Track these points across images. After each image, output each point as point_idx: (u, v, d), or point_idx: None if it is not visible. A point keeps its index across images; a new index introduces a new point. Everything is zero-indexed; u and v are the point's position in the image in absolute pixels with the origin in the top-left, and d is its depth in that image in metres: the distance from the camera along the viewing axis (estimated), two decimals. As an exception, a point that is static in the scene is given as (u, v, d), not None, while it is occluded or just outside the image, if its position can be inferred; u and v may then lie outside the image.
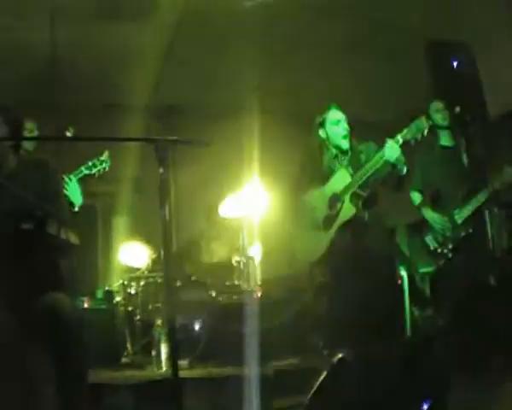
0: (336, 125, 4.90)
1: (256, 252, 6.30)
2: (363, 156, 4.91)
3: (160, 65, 6.90)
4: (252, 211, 6.26)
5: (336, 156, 4.94)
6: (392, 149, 4.52)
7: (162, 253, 2.97)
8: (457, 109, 5.47)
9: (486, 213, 5.39)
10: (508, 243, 6.13)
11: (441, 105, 5.64)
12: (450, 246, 5.36)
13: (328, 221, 4.79)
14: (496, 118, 6.57)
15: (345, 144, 4.89)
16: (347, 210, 4.77)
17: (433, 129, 5.55)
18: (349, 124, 4.94)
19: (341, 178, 4.86)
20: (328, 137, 4.95)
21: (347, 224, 4.75)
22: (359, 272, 4.58)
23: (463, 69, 6.01)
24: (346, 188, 4.77)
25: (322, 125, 4.97)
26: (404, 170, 4.64)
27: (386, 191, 4.92)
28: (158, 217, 2.85)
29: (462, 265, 5.30)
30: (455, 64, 6.02)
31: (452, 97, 5.70)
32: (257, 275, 6.15)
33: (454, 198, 5.46)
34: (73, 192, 4.44)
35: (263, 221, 6.35)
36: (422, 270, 5.89)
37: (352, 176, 4.78)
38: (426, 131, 4.53)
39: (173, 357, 2.87)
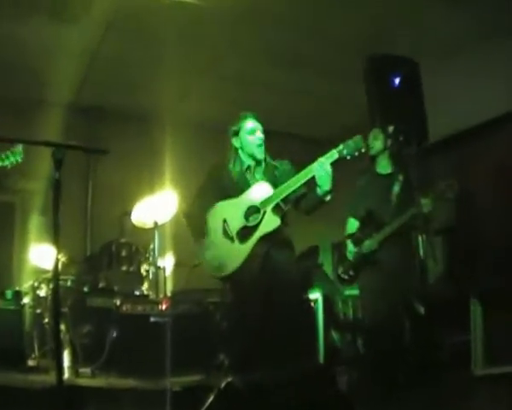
0: (251, 134, 4.68)
1: (167, 262, 6.23)
2: (277, 172, 4.70)
3: (85, 65, 6.94)
4: (164, 219, 6.16)
5: (249, 168, 4.70)
6: (322, 166, 4.29)
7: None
8: (390, 129, 5.44)
9: (415, 237, 5.39)
10: (435, 269, 6.17)
11: (379, 132, 5.60)
12: (351, 273, 5.49)
13: (245, 233, 4.48)
14: (435, 141, 6.51)
15: (259, 153, 4.68)
16: (270, 222, 4.51)
17: (372, 156, 5.58)
18: (265, 134, 4.75)
19: (261, 190, 4.61)
20: (242, 147, 4.73)
21: (268, 236, 4.48)
22: (270, 290, 4.38)
23: (404, 87, 5.93)
24: (269, 200, 4.51)
25: (236, 133, 4.74)
26: (328, 197, 4.40)
27: (297, 211, 4.69)
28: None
29: (382, 288, 5.28)
30: (396, 81, 5.91)
31: (389, 116, 5.68)
32: (167, 286, 6.12)
33: (381, 225, 5.43)
34: None
35: (176, 230, 6.26)
36: (346, 293, 5.99)
37: (273, 188, 4.56)
38: (363, 150, 4.35)
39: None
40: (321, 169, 4.25)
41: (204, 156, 5.31)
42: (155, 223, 6.21)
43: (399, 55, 5.69)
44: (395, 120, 5.46)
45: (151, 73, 7.00)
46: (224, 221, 4.49)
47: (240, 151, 4.71)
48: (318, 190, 4.31)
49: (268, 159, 4.73)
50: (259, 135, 4.66)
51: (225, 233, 4.48)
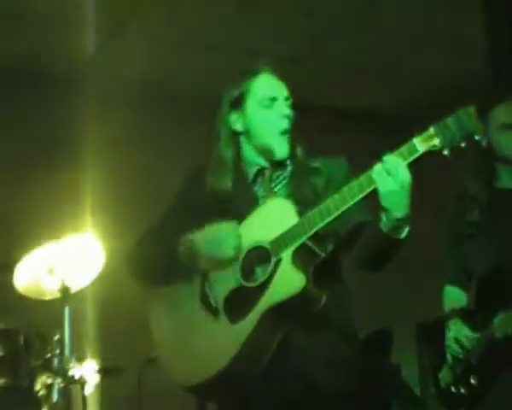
0: (269, 105, 3.14)
1: (88, 368, 4.54)
2: (317, 180, 3.20)
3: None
4: (82, 283, 4.65)
5: (260, 174, 3.22)
6: (390, 172, 2.74)
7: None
8: None
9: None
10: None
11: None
12: (473, 381, 3.96)
13: (241, 302, 3.08)
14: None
15: (282, 146, 3.16)
16: (286, 280, 2.97)
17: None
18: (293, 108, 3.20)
19: (276, 215, 3.08)
20: (248, 131, 3.19)
21: (281, 310, 2.94)
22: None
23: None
24: (287, 236, 2.98)
25: (237, 104, 3.20)
26: (405, 232, 2.82)
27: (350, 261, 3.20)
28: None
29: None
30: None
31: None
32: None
33: None
34: None
35: (105, 303, 5.60)
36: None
37: (299, 212, 3.01)
38: (477, 138, 2.70)
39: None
40: (388, 177, 2.74)
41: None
42: (64, 290, 4.38)
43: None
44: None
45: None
46: (203, 278, 3.12)
47: (243, 141, 3.24)
48: (384, 219, 2.81)
49: (300, 154, 3.23)
50: (284, 108, 3.14)
51: (204, 301, 3.10)
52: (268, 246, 2.99)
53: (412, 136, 2.78)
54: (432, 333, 4.60)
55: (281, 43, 6.34)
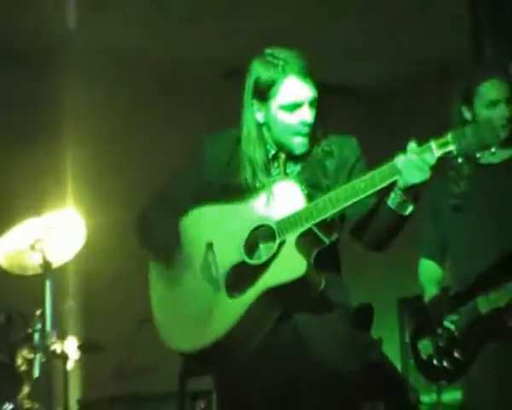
0: (292, 109, 3.11)
1: (70, 344, 4.49)
2: (328, 162, 3.24)
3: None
4: (63, 258, 4.59)
5: (276, 158, 3.25)
6: (418, 162, 2.86)
7: None
8: None
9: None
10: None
11: (500, 82, 3.96)
12: (457, 355, 4.06)
13: (242, 277, 3.12)
14: None
15: (299, 147, 3.19)
16: (289, 263, 3.04)
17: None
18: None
19: (285, 197, 3.12)
20: (269, 126, 3.18)
21: (280, 292, 3.02)
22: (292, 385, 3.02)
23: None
24: (294, 219, 3.04)
25: (263, 98, 3.13)
26: (410, 208, 2.97)
27: (356, 241, 3.22)
28: None
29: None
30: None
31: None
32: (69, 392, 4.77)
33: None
34: None
35: (89, 280, 5.51)
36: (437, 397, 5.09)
37: (307, 196, 3.07)
38: (493, 150, 2.87)
39: None
40: (415, 166, 2.87)
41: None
42: (45, 265, 4.37)
43: None
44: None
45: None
46: (209, 247, 3.13)
47: (264, 130, 3.23)
48: (392, 194, 2.94)
49: (317, 146, 3.25)
50: (307, 114, 3.10)
51: (206, 270, 3.13)
52: (274, 226, 3.05)
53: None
54: (413, 306, 4.72)
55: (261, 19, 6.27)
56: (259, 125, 3.23)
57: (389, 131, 6.38)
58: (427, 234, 4.20)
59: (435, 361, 3.90)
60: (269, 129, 3.21)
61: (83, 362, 5.09)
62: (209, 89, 6.07)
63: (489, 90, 3.86)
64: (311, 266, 2.97)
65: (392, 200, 2.91)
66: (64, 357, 4.42)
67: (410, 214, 2.93)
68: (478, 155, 3.12)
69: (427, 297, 4.03)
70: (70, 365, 4.45)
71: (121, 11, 6.23)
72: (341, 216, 3.15)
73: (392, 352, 6.38)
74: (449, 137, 2.81)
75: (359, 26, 6.22)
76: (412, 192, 2.92)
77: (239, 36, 6.67)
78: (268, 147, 3.24)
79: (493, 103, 3.76)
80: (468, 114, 3.66)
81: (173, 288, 3.29)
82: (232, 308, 3.07)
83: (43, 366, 4.24)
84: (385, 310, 6.63)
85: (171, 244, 3.26)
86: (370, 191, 2.93)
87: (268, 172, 3.24)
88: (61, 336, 4.43)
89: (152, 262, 3.32)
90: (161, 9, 6.23)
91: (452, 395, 4.91)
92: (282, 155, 3.22)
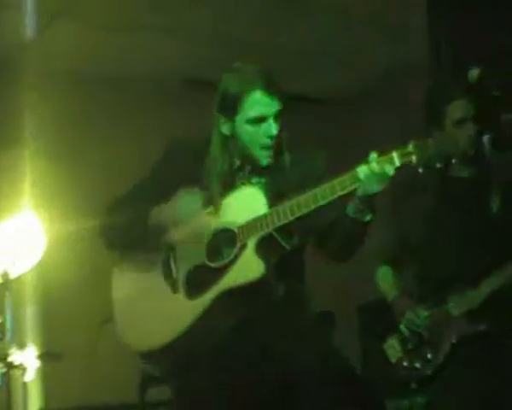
0: (256, 123, 3.20)
1: (29, 353, 4.31)
2: (295, 174, 3.30)
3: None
4: (23, 268, 4.41)
5: (241, 168, 3.33)
6: (379, 170, 2.92)
7: None
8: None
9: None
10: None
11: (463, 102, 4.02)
12: (430, 356, 4.16)
13: (200, 280, 3.19)
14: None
15: (264, 158, 3.27)
16: (247, 266, 3.10)
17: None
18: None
19: (248, 203, 3.19)
20: (235, 138, 3.28)
21: (238, 293, 3.09)
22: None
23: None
24: (255, 223, 3.10)
25: (229, 112, 3.25)
26: (369, 216, 3.08)
27: (320, 252, 3.31)
28: None
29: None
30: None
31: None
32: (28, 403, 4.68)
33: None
34: None
35: (49, 290, 5.45)
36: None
37: (269, 203, 3.13)
38: (453, 161, 3.12)
39: None
40: (375, 174, 2.94)
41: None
42: (4, 275, 4.26)
43: None
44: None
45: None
46: (170, 250, 3.26)
47: (230, 142, 3.33)
48: (350, 203, 3.05)
49: (285, 157, 3.34)
50: (271, 128, 3.19)
51: (166, 272, 3.23)
52: (236, 230, 3.10)
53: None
54: (374, 311, 4.73)
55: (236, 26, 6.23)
56: (225, 138, 3.25)
57: (350, 140, 6.37)
58: (385, 241, 4.23)
59: (405, 363, 3.91)
60: (235, 141, 3.25)
61: (43, 372, 4.93)
62: (168, 99, 6.07)
63: (457, 109, 3.90)
64: (269, 271, 3.01)
65: (351, 208, 2.99)
66: (23, 368, 4.27)
67: (369, 221, 3.01)
68: (438, 166, 3.10)
69: (389, 299, 4.07)
70: (29, 375, 4.30)
71: (78, 22, 6.16)
72: (306, 229, 3.17)
73: (353, 359, 6.38)
74: (411, 147, 2.88)
75: (318, 33, 6.15)
76: (370, 200, 2.98)
77: (197, 44, 6.63)
78: (234, 159, 3.26)
79: (460, 121, 3.81)
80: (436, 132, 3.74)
81: (136, 287, 3.32)
82: (189, 309, 3.12)
83: (1, 376, 4.12)
84: (344, 319, 6.63)
85: (137, 236, 3.26)
86: (330, 198, 2.95)
87: (232, 183, 3.26)
88: (20, 346, 4.30)
89: (116, 262, 3.36)
90: (122, 19, 6.16)
91: (421, 399, 4.78)
92: (248, 167, 3.26)
